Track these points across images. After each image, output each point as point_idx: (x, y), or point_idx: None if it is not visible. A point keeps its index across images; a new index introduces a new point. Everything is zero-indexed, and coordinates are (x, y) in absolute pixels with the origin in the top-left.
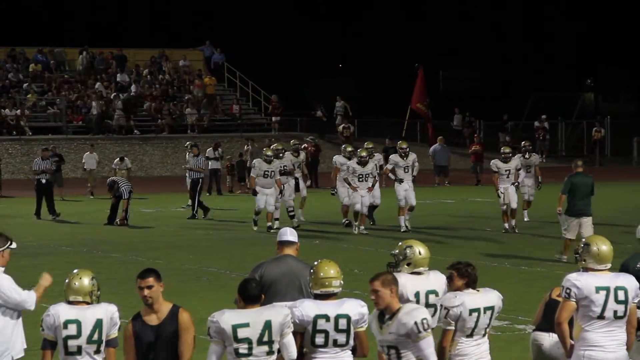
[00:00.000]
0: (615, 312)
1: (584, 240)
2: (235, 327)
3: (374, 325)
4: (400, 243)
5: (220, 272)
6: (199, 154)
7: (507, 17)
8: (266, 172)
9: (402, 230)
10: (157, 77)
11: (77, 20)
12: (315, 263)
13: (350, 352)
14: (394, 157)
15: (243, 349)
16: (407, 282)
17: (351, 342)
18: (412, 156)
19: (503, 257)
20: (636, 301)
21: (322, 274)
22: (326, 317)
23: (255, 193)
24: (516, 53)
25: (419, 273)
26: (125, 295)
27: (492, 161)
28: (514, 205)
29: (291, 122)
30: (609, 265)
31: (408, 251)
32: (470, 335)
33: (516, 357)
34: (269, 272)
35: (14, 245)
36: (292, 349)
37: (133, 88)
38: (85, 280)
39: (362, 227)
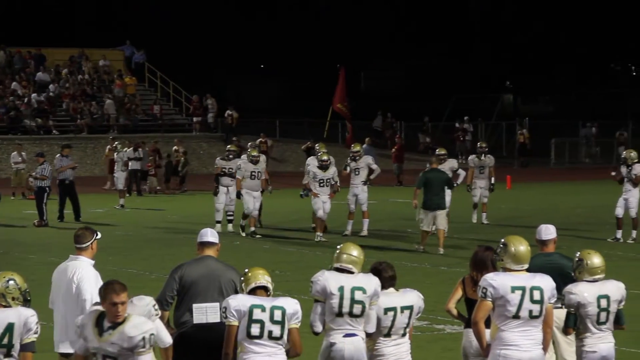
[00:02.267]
0: (530, 311)
1: (502, 240)
2: None
3: (89, 330)
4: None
5: (139, 273)
6: (44, 162)
7: (428, 19)
8: (253, 173)
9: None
10: (77, 76)
11: None
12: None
13: (284, 353)
14: (313, 169)
15: None
16: (330, 277)
17: (285, 337)
18: (333, 169)
19: (423, 258)
20: (552, 301)
21: (254, 272)
22: (262, 307)
23: (239, 195)
24: (438, 54)
25: (348, 272)
26: (44, 297)
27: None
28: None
29: (214, 122)
30: (525, 266)
31: (337, 251)
32: (388, 335)
33: (435, 357)
34: (188, 273)
35: (99, 236)
36: (163, 335)
37: (52, 87)
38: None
39: (321, 234)
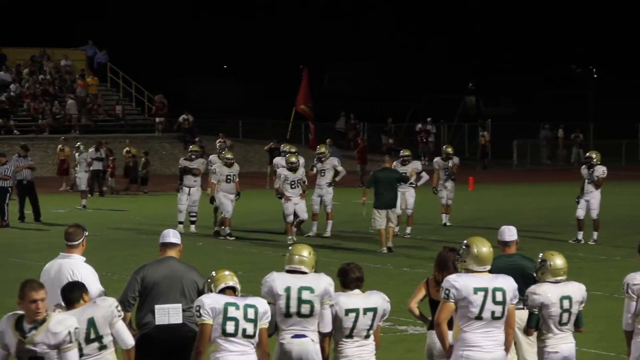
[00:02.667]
0: (492, 312)
1: (465, 242)
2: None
3: (10, 335)
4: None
5: (101, 274)
6: (6, 162)
7: (390, 20)
8: (228, 177)
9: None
10: (38, 76)
11: None
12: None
13: (255, 353)
14: (283, 171)
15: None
16: (278, 278)
17: (257, 337)
18: (302, 169)
19: (386, 259)
20: (514, 302)
21: (222, 273)
22: (236, 305)
23: (213, 200)
24: (401, 56)
25: (301, 272)
26: (2, 297)
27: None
28: (398, 211)
29: (175, 123)
30: (488, 267)
31: (288, 253)
32: (350, 336)
33: (398, 358)
34: (151, 274)
35: (87, 233)
36: (125, 336)
37: (13, 87)
38: None
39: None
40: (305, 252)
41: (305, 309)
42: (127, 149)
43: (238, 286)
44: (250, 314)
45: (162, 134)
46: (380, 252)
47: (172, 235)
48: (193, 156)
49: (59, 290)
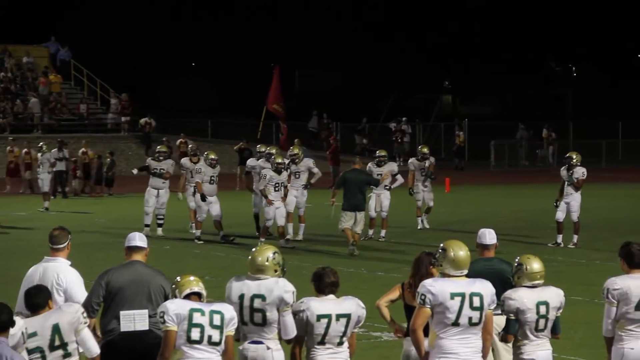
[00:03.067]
0: (470, 318)
1: (441, 245)
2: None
3: None
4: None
5: None
6: None
7: (365, 17)
8: (212, 178)
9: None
10: None
11: None
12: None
13: None
14: (269, 172)
15: (37, 358)
16: (234, 286)
17: (223, 344)
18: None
19: (360, 263)
20: (492, 308)
21: (187, 278)
22: (201, 312)
23: (204, 198)
24: (375, 53)
25: (255, 278)
26: None
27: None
28: (372, 214)
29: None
30: (465, 271)
31: (249, 257)
32: (322, 343)
33: None
34: (116, 279)
35: (71, 236)
36: (90, 344)
37: None
38: None
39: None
40: (263, 258)
41: (257, 317)
42: (83, 149)
43: (204, 292)
44: (216, 320)
45: (127, 133)
46: (350, 250)
47: (138, 239)
48: (161, 157)
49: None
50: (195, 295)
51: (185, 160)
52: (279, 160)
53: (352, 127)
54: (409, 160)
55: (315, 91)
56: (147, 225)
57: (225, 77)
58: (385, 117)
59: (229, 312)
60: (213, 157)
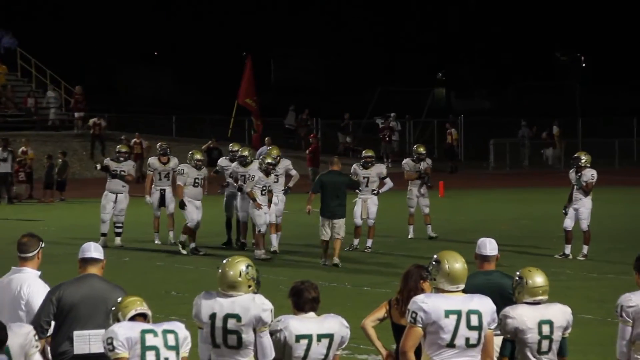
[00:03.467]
0: (467, 339)
1: (435, 257)
2: None
3: None
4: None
5: None
6: None
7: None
8: (196, 180)
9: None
10: None
11: None
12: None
13: None
14: (258, 173)
15: None
16: (204, 303)
17: None
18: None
19: (343, 277)
20: (492, 327)
21: (130, 299)
22: (154, 332)
23: (183, 205)
24: (360, 40)
25: (228, 295)
26: None
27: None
28: (358, 221)
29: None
30: (461, 286)
31: (219, 270)
32: None
33: None
34: (68, 295)
35: (43, 244)
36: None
37: None
38: None
39: (263, 252)
40: (235, 272)
41: (231, 340)
42: (23, 148)
43: (149, 312)
44: (171, 340)
45: (82, 131)
46: (323, 264)
47: (93, 250)
48: (121, 158)
49: (7, 310)
50: (141, 317)
51: (153, 160)
52: (269, 160)
53: (334, 124)
54: (404, 161)
55: (293, 83)
56: (103, 235)
57: (191, 67)
58: (371, 112)
59: (182, 330)
60: (199, 157)
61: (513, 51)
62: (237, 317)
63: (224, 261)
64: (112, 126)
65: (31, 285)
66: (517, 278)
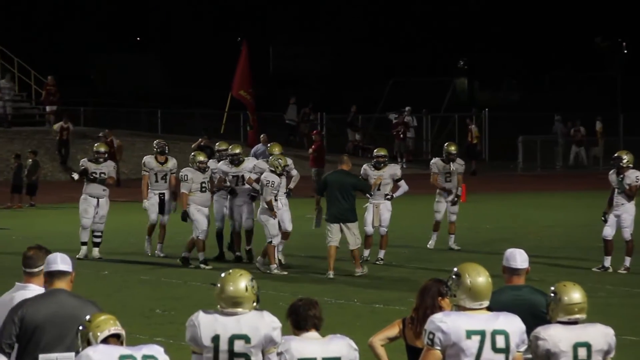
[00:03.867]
0: None
1: (455, 270)
2: None
3: None
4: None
5: None
6: None
7: None
8: (203, 185)
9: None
10: None
11: None
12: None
13: None
14: (270, 176)
15: None
16: (204, 323)
17: None
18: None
19: (351, 292)
20: (522, 349)
21: (101, 317)
22: (132, 358)
23: (186, 217)
24: (371, 25)
25: (232, 313)
26: None
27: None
28: (369, 230)
29: (74, 111)
30: (486, 303)
31: (218, 286)
32: None
33: None
34: (32, 312)
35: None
36: None
37: None
38: None
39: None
40: (240, 288)
41: None
42: None
43: (123, 332)
44: None
45: (53, 135)
46: (327, 276)
47: (59, 261)
48: (100, 159)
49: None
50: (114, 338)
51: (149, 159)
52: (281, 161)
53: (340, 119)
54: (432, 161)
55: (294, 74)
56: (84, 244)
57: (178, 55)
58: (383, 106)
59: (162, 355)
60: (202, 158)
61: (546, 37)
62: (246, 338)
63: (223, 275)
64: (88, 122)
65: None
66: (551, 294)
